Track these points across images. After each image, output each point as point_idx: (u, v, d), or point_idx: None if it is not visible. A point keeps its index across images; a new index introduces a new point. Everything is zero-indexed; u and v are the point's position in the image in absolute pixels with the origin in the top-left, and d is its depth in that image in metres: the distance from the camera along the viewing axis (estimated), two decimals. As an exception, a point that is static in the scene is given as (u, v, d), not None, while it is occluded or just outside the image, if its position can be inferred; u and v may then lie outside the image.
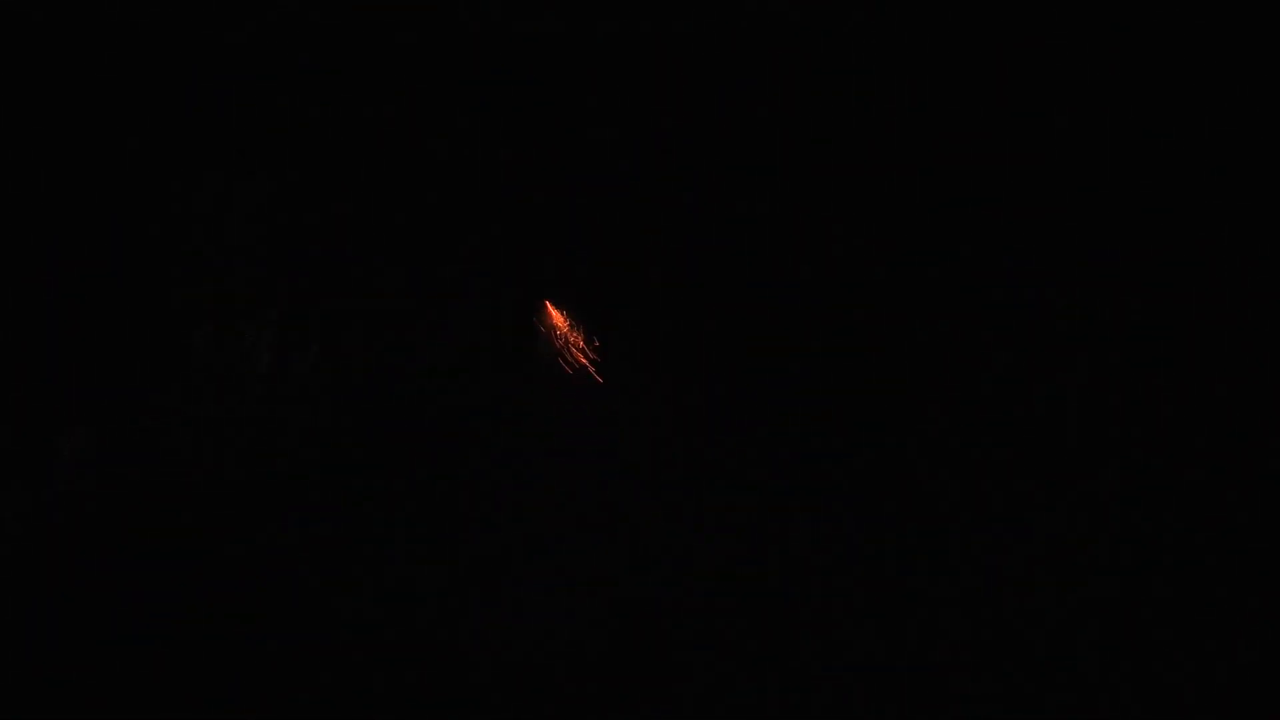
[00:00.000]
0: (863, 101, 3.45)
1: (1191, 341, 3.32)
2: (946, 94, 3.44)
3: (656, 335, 3.49)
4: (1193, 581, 3.11)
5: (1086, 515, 3.22)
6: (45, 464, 3.23)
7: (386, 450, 3.37)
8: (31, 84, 3.37)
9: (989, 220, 3.43)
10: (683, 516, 3.31)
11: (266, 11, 3.41)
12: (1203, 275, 3.34)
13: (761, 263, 3.48)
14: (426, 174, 3.50)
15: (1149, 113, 3.39)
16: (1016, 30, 3.41)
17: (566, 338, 3.47)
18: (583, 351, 3.46)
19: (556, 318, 3.47)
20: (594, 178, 3.51)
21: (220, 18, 3.41)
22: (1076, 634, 3.09)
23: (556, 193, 3.52)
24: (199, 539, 3.24)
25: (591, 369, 3.44)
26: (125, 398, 3.32)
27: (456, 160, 3.50)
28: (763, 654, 3.13)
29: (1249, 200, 3.35)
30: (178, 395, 3.34)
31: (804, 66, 3.46)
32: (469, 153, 3.50)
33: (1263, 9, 3.33)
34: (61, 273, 3.35)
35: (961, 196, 3.44)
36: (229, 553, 3.23)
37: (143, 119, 3.42)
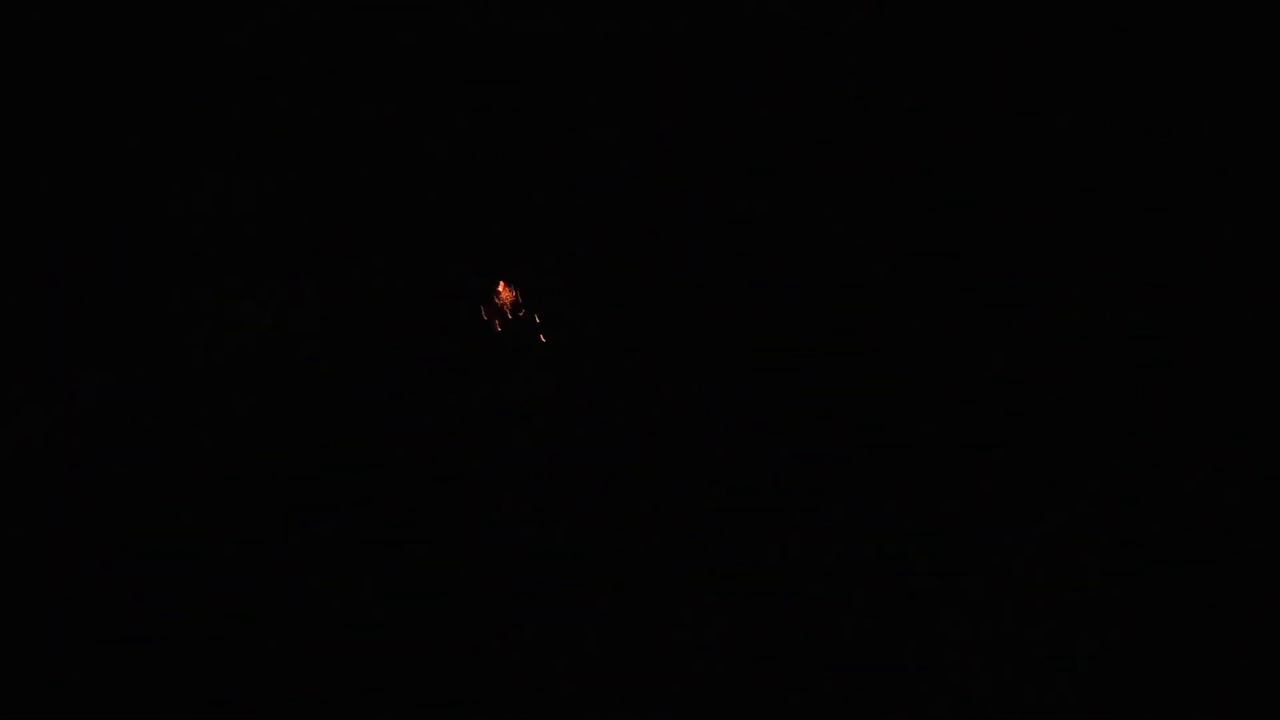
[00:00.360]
0: (863, 101, 3.46)
1: (1192, 341, 3.32)
2: (946, 94, 3.44)
3: (658, 336, 3.50)
4: (1193, 581, 3.11)
5: (1086, 515, 3.22)
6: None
7: (386, 449, 3.37)
8: (31, 84, 3.37)
9: (989, 220, 3.43)
10: (682, 515, 3.31)
11: (266, 11, 3.42)
12: (1203, 275, 3.34)
13: (762, 263, 3.48)
14: (426, 174, 3.50)
15: (1149, 113, 3.39)
16: (1016, 30, 3.42)
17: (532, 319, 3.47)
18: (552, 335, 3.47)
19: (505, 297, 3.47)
20: (595, 178, 3.52)
21: (220, 18, 3.41)
22: (1076, 634, 3.08)
23: (557, 193, 3.53)
24: (196, 541, 3.25)
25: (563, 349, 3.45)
26: (120, 397, 3.33)
27: (457, 160, 3.50)
28: (763, 654, 3.13)
29: (1249, 200, 3.35)
30: (173, 391, 3.35)
31: (804, 66, 3.46)
32: (469, 153, 3.51)
33: (1263, 9, 3.34)
34: (58, 275, 3.36)
35: (961, 196, 3.44)
36: (226, 552, 3.23)
37: (143, 119, 3.42)
